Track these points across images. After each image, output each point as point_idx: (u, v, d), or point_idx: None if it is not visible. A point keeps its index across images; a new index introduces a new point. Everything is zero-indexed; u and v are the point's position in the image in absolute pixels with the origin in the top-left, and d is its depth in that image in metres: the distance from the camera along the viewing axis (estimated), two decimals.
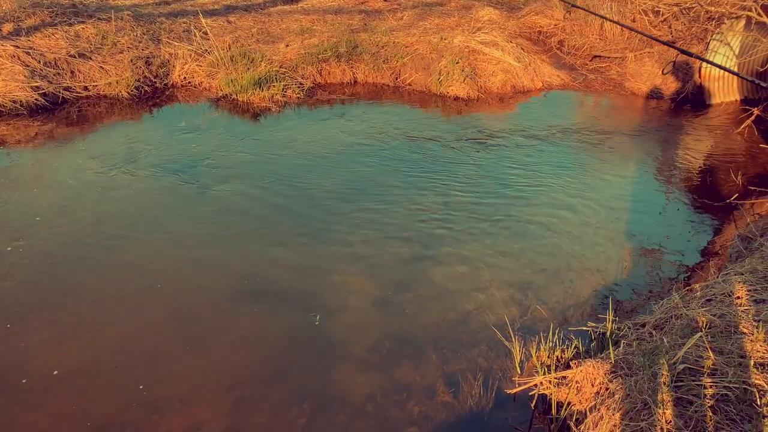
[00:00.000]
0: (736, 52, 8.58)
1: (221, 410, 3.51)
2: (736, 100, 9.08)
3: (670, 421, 2.58)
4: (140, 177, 6.29)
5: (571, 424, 3.16)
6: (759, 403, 2.59)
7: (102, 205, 5.68)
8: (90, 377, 3.72)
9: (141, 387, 3.65)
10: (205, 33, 9.83)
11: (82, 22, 9.44)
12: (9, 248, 4.95)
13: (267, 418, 3.46)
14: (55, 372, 3.74)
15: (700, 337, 3.03)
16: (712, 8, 8.74)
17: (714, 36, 8.74)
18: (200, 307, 4.37)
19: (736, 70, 8.81)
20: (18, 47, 8.29)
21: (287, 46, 9.90)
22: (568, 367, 3.50)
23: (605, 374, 3.16)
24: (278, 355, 3.95)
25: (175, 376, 3.75)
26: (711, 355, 2.91)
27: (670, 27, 10.21)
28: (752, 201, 5.75)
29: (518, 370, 3.76)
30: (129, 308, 4.34)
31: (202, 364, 3.84)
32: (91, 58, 8.75)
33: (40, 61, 8.32)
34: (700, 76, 9.06)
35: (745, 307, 3.31)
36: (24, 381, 3.67)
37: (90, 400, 3.55)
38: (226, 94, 8.77)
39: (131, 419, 3.44)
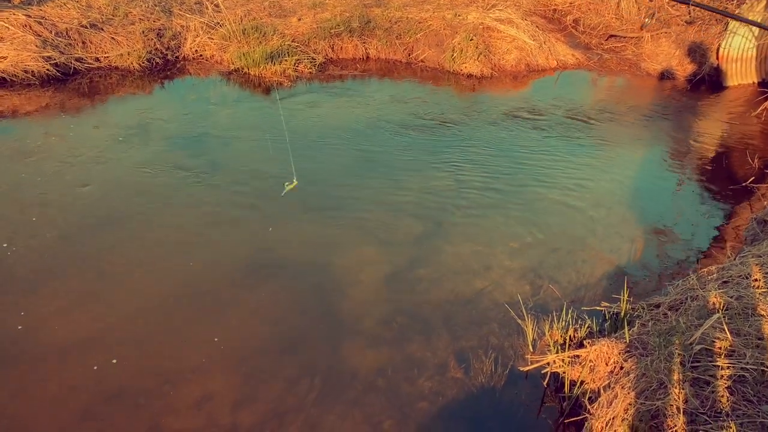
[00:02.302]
0: (756, 34, 8.42)
1: (233, 382, 3.52)
2: (754, 83, 8.94)
3: (687, 401, 2.57)
4: (151, 149, 6.27)
5: (584, 401, 3.15)
6: None
7: (113, 176, 5.67)
8: (103, 348, 3.74)
9: (153, 357, 3.67)
10: (217, 5, 9.74)
11: None
12: (19, 219, 4.96)
13: (278, 391, 3.47)
14: (67, 341, 3.76)
15: (718, 318, 3.00)
16: None
17: None
18: (212, 280, 4.37)
19: (755, 52, 8.66)
20: (30, 17, 8.23)
21: (299, 20, 9.80)
22: (581, 346, 3.48)
23: (620, 353, 3.14)
24: (290, 329, 3.95)
25: (188, 347, 3.76)
26: (728, 336, 2.88)
27: (688, 6, 10.01)
28: None
29: (530, 348, 3.75)
30: (140, 280, 4.35)
31: (215, 336, 3.85)
32: (102, 29, 8.70)
33: (51, 31, 8.27)
34: (717, 58, 8.91)
35: (763, 290, 3.28)
36: (37, 351, 3.69)
37: (103, 370, 3.57)
38: (238, 68, 8.70)
39: (143, 389, 3.45)
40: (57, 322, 3.91)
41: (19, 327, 3.86)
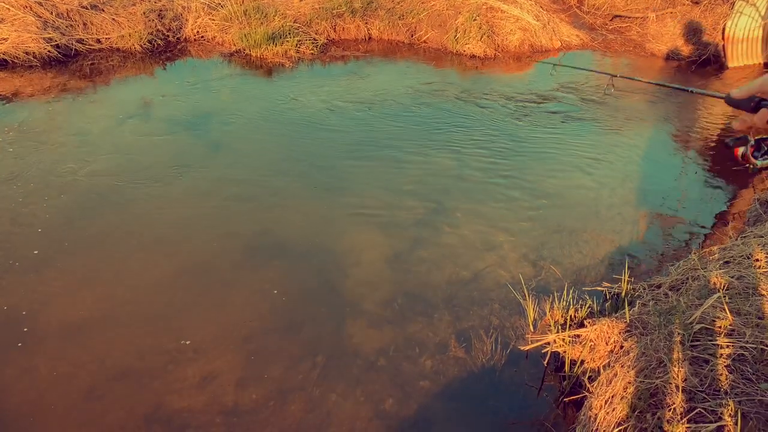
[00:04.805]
0: (762, 13, 8.34)
1: (236, 361, 3.55)
2: (759, 63, 8.87)
3: (686, 379, 2.58)
4: (154, 130, 6.27)
5: (584, 380, 3.17)
6: None
7: (116, 158, 5.68)
8: (107, 327, 3.77)
9: (157, 337, 3.70)
10: None
11: None
12: (24, 199, 4.98)
13: (281, 370, 3.50)
14: (71, 321, 3.79)
15: (719, 297, 3.01)
16: None
17: None
18: (214, 261, 4.39)
19: (761, 32, 8.58)
20: None
21: (301, 0, 9.73)
22: (581, 325, 3.49)
23: (620, 333, 3.16)
24: (292, 309, 3.97)
25: (191, 327, 3.79)
26: (729, 315, 2.89)
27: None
28: None
29: (531, 328, 3.77)
30: (144, 260, 4.37)
31: (217, 316, 3.88)
32: (103, 10, 8.65)
33: (52, 12, 8.23)
34: (723, 38, 8.83)
35: (765, 270, 3.28)
36: (42, 331, 3.73)
37: (107, 350, 3.60)
38: (239, 49, 8.67)
39: (147, 368, 3.49)
40: (61, 302, 3.93)
41: (24, 307, 3.89)
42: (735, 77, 8.47)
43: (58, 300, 3.96)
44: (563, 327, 3.56)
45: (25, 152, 5.71)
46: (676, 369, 2.64)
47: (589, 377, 3.18)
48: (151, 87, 7.48)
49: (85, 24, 8.48)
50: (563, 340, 3.41)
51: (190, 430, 3.15)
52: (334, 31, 9.42)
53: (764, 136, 1.62)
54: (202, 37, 9.09)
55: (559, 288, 4.07)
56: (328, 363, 3.57)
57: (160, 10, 9.00)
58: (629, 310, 3.33)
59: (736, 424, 2.34)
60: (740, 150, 1.68)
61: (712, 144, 6.54)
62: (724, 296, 3.06)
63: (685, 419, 2.43)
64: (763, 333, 2.75)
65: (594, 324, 3.33)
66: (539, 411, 3.30)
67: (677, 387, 2.56)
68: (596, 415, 2.77)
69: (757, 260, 3.42)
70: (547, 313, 3.76)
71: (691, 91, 2.63)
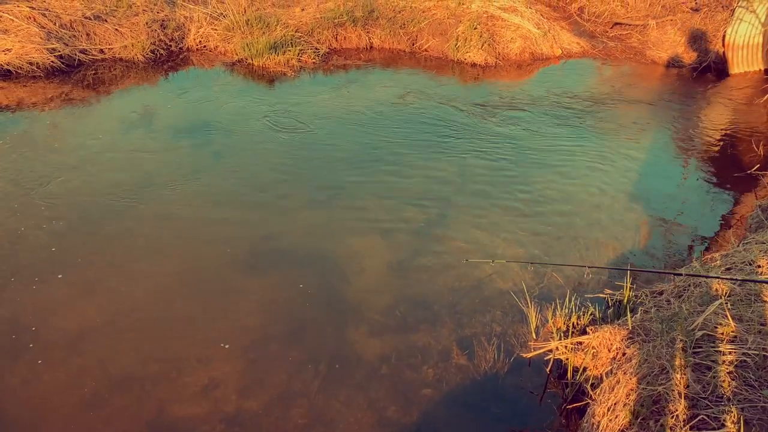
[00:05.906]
0: (762, 20, 8.36)
1: (238, 369, 3.56)
2: (760, 70, 8.88)
3: (688, 386, 2.58)
4: (156, 140, 6.30)
5: (587, 387, 3.17)
6: None
7: (118, 167, 5.70)
8: (110, 334, 3.78)
9: (160, 345, 3.71)
10: None
11: None
12: (26, 209, 5.00)
13: (283, 378, 3.51)
14: (75, 330, 3.80)
15: (721, 304, 3.01)
16: None
17: (740, 3, 8.51)
18: (216, 270, 4.40)
19: (761, 39, 8.59)
20: (34, 8, 8.24)
21: (303, 10, 9.78)
22: (584, 333, 3.49)
23: (622, 340, 3.16)
24: (295, 317, 3.98)
25: (194, 335, 3.79)
26: (731, 322, 2.89)
27: None
28: None
29: (533, 335, 3.77)
30: (146, 268, 4.38)
31: (220, 324, 3.88)
32: (106, 21, 8.70)
33: (55, 23, 8.28)
34: (723, 45, 8.85)
35: (767, 276, 3.28)
36: (46, 338, 3.73)
37: (110, 357, 3.61)
38: (242, 59, 8.70)
39: (150, 376, 3.49)
40: (65, 310, 3.94)
41: (29, 315, 3.90)
42: (736, 84, 8.48)
43: (62, 307, 3.97)
44: (566, 334, 3.56)
45: (29, 162, 5.73)
46: (678, 376, 2.64)
47: (592, 384, 3.18)
48: (153, 97, 7.52)
49: (88, 34, 8.52)
50: (566, 347, 3.41)
51: None
52: (336, 41, 9.46)
53: None
54: (205, 46, 9.13)
55: (561, 295, 4.07)
56: (331, 371, 3.57)
57: (163, 20, 9.05)
58: (631, 317, 3.33)
59: (738, 430, 2.34)
60: None
61: (714, 150, 6.55)
62: (726, 303, 3.06)
63: (687, 426, 2.43)
64: (765, 339, 2.75)
65: (596, 331, 3.33)
66: (542, 418, 3.30)
67: (680, 394, 2.56)
68: (599, 422, 2.77)
69: (759, 266, 3.42)
70: (550, 320, 3.76)
71: None
